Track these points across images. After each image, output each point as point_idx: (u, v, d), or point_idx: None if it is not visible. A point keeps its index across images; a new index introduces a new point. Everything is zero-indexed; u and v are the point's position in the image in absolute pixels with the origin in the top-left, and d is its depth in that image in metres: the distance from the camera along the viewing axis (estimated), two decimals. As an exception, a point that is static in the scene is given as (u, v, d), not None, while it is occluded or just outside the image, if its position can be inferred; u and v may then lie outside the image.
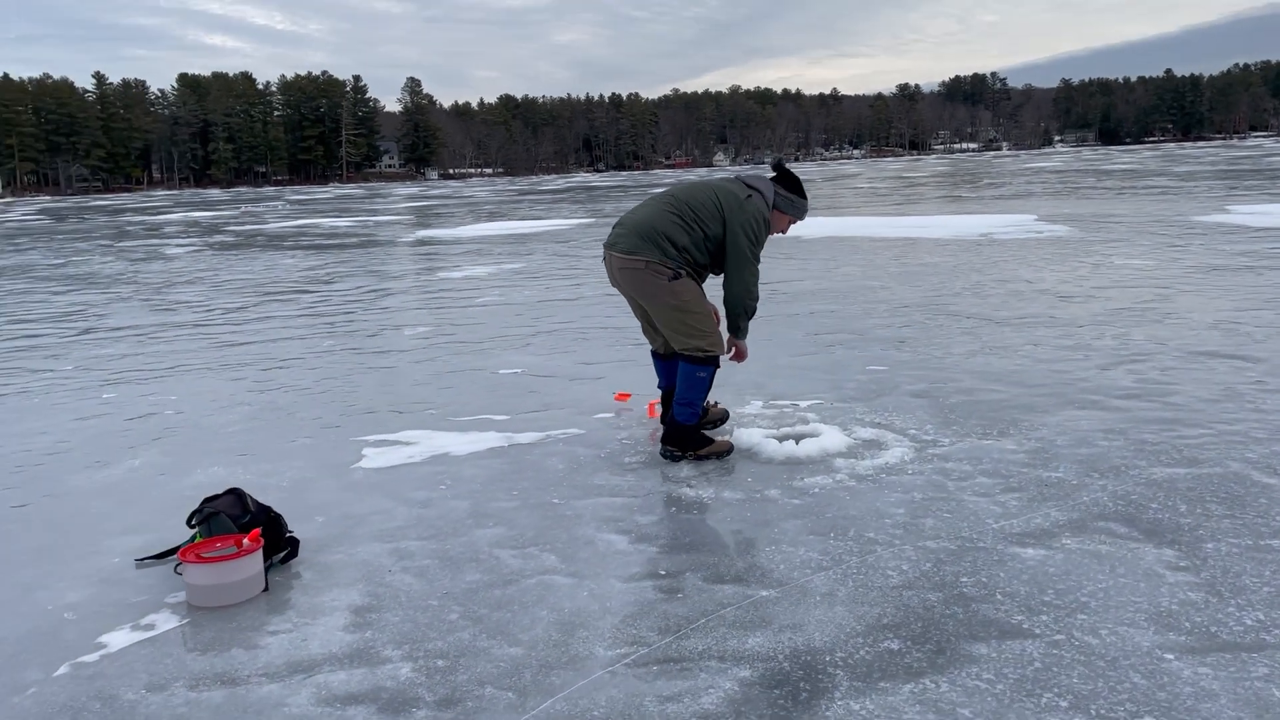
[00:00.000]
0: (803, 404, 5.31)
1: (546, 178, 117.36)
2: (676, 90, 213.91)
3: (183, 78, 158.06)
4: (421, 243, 19.10)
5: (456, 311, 9.40)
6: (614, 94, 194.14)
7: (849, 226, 17.40)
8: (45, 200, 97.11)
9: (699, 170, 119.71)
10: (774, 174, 4.46)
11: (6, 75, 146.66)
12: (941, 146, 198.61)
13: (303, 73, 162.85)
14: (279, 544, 3.34)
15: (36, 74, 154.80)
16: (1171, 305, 7.91)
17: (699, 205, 4.22)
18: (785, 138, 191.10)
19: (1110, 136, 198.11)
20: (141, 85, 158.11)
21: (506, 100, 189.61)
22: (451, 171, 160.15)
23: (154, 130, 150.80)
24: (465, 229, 22.76)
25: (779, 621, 2.84)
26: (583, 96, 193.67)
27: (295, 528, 3.67)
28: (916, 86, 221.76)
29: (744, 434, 4.64)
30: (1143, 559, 3.19)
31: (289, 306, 10.27)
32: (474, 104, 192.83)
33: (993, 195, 27.43)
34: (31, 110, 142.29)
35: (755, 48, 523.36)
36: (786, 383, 5.82)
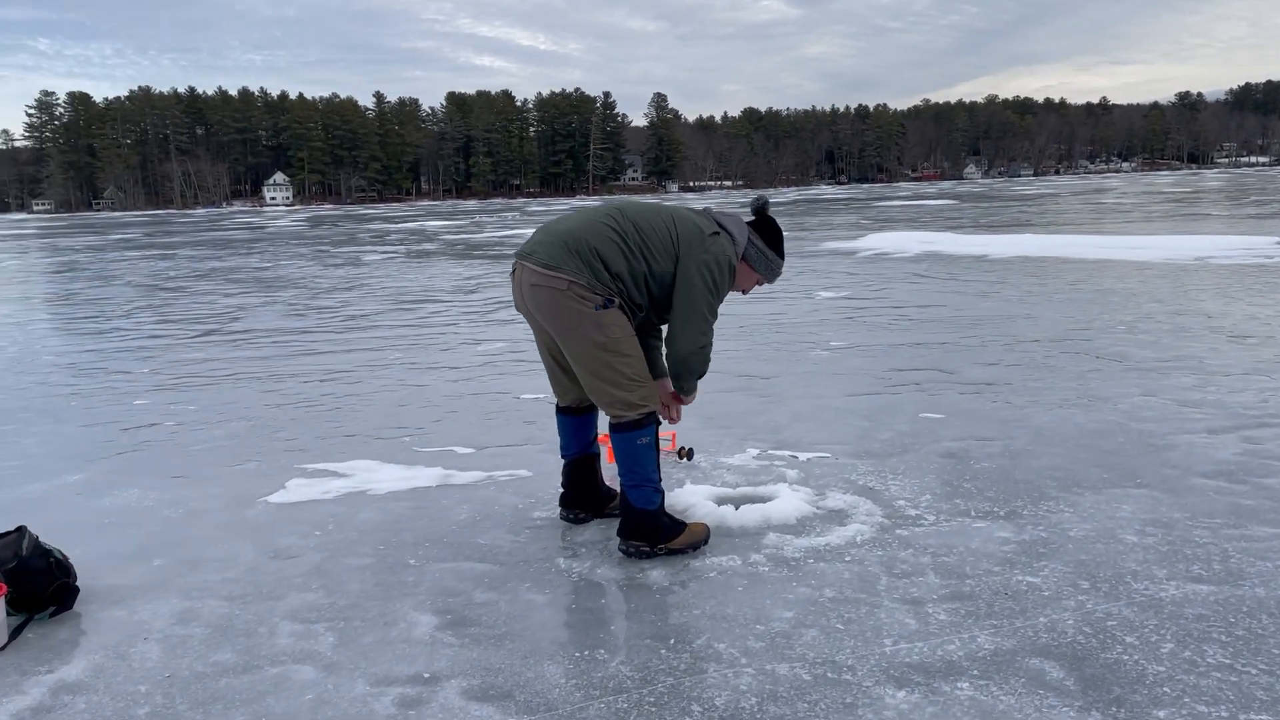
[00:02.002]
0: (803, 456, 4.48)
1: (784, 190, 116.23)
2: (927, 100, 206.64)
3: (450, 96, 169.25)
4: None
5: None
6: (860, 105, 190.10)
7: (1049, 245, 15.66)
8: (325, 208, 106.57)
9: (943, 184, 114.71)
10: (753, 218, 3.56)
11: (301, 95, 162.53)
12: (1226, 160, 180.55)
13: (559, 90, 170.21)
14: (43, 596, 2.99)
15: (326, 94, 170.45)
16: (1372, 352, 6.31)
17: (648, 230, 3.26)
18: (1045, 149, 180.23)
19: None
20: (414, 104, 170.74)
21: (749, 113, 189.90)
22: (691, 184, 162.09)
23: (423, 145, 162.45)
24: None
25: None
26: (827, 108, 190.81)
27: (133, 569, 3.36)
28: (1199, 95, 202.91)
29: (685, 493, 3.91)
30: (1044, 729, 2.26)
31: (404, 316, 10.25)
32: (717, 117, 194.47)
33: (1248, 214, 24.18)
34: (320, 127, 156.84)
35: (1016, 55, 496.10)
36: (808, 429, 4.98)
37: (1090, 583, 3.02)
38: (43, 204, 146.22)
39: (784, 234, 3.57)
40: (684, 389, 3.51)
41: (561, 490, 3.77)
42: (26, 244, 34.94)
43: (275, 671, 2.63)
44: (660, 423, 3.40)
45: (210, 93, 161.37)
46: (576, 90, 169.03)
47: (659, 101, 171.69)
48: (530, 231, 25.92)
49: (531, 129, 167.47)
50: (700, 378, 3.49)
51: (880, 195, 66.59)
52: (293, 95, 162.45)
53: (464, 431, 5.15)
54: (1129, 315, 8.27)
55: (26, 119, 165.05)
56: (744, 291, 3.62)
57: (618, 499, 3.77)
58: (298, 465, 4.61)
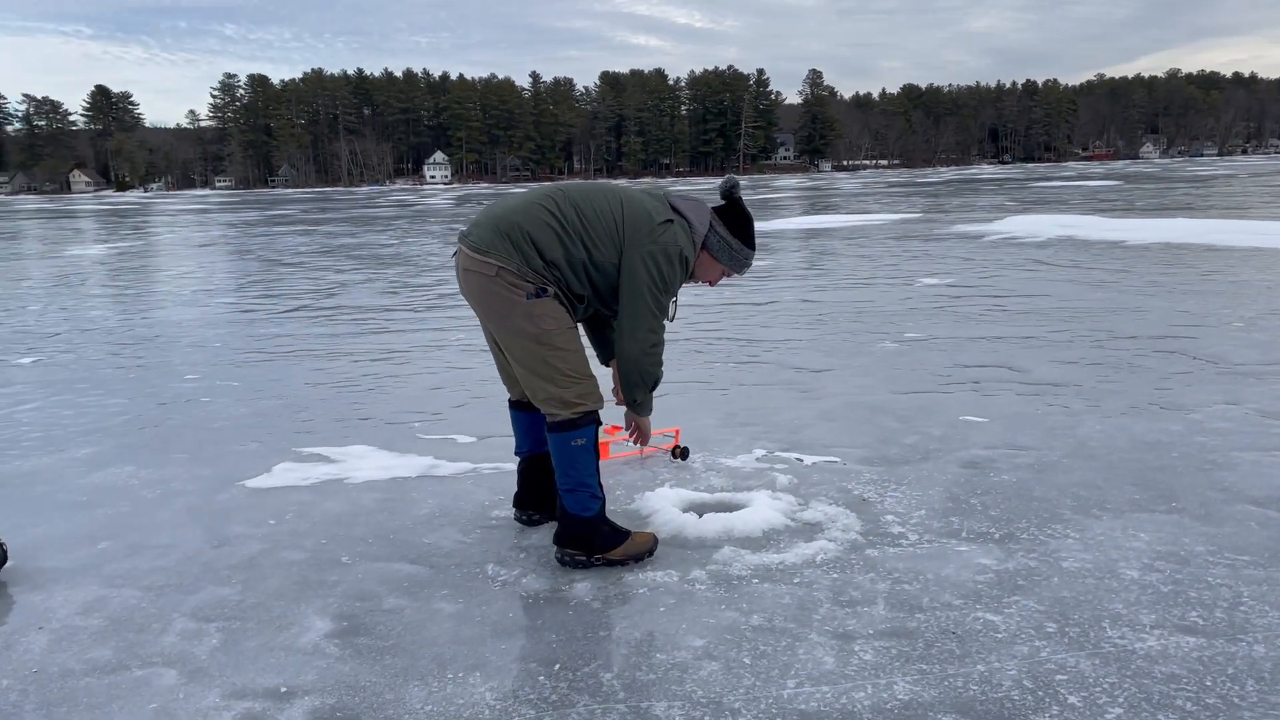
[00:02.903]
0: (809, 460, 4.13)
1: (942, 170, 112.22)
2: (1101, 76, 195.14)
3: (604, 75, 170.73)
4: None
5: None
6: (1028, 80, 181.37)
7: (1198, 231, 14.37)
8: (479, 186, 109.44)
9: (1114, 164, 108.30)
10: (721, 204, 3.23)
11: (461, 76, 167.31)
12: None
13: (711, 68, 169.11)
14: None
15: (485, 74, 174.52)
16: None
17: (590, 214, 2.98)
18: (1232, 127, 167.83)
19: None
20: (569, 83, 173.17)
21: (909, 90, 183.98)
22: (845, 163, 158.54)
23: (576, 125, 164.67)
24: (791, 220, 21.91)
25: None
26: (992, 84, 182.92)
27: (78, 551, 3.35)
28: None
29: (652, 498, 3.64)
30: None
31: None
32: (875, 94, 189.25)
33: None
34: (479, 107, 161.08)
35: (1202, 26, 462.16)
36: (831, 429, 4.61)
37: (1058, 625, 2.61)
38: (224, 180, 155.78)
39: (753, 219, 3.24)
40: (635, 402, 3.24)
41: (516, 489, 3.56)
42: (195, 219, 37.09)
43: (140, 674, 2.53)
44: (600, 424, 3.14)
45: (377, 74, 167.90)
46: (730, 68, 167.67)
47: (814, 78, 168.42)
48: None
49: (683, 108, 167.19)
50: (653, 387, 3.20)
51: (1042, 175, 63.37)
52: (453, 76, 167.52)
53: (476, 420, 5.00)
54: (1251, 311, 7.43)
55: (211, 100, 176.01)
56: (711, 283, 3.32)
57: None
58: (296, 448, 4.56)
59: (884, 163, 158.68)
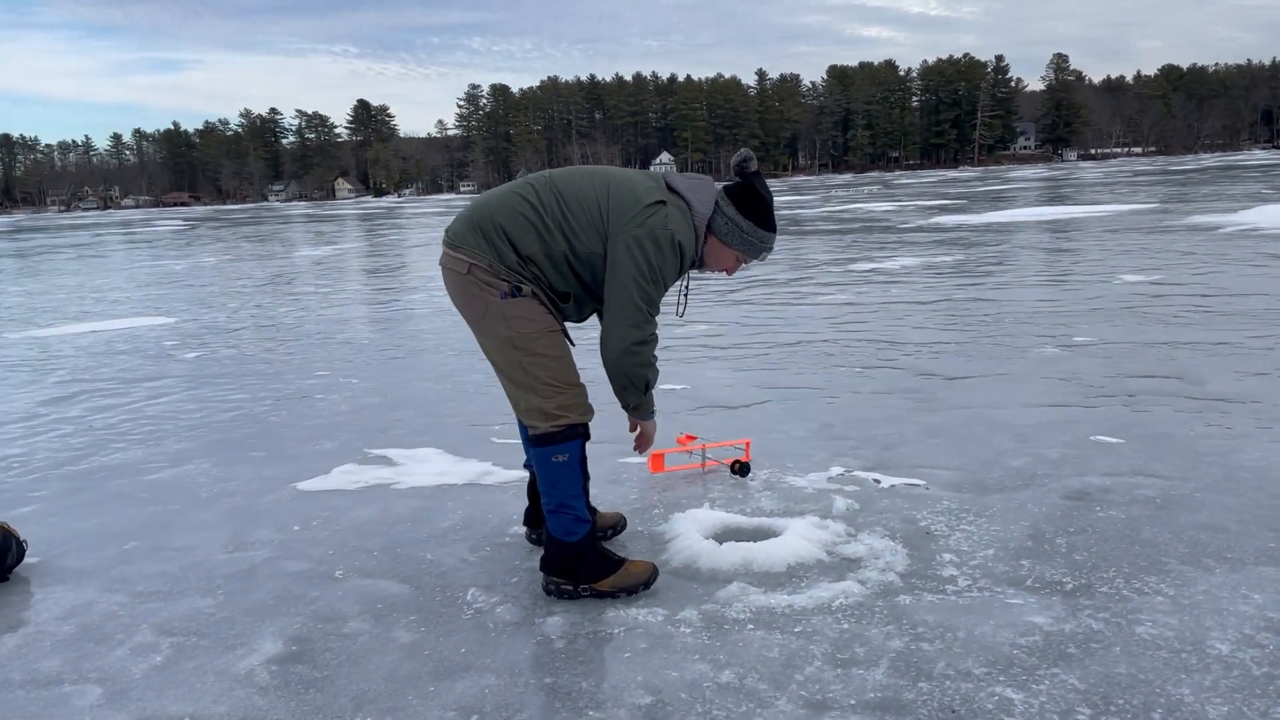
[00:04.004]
0: (888, 482, 3.63)
1: (1203, 156, 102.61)
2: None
3: (832, 69, 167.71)
4: (886, 229, 17.59)
5: (779, 311, 8.33)
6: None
7: None
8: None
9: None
10: (734, 182, 2.82)
11: (688, 77, 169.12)
12: None
13: (945, 57, 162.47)
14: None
15: (711, 74, 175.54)
16: None
17: (573, 202, 2.66)
18: None
19: None
20: (795, 79, 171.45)
21: (1168, 71, 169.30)
22: (1093, 151, 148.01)
23: (801, 120, 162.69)
24: (1005, 213, 20.46)
25: None
26: (1267, 61, 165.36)
27: (105, 549, 3.38)
28: None
29: (679, 520, 3.26)
30: None
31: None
32: (1128, 77, 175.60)
33: None
34: (705, 106, 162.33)
35: None
36: (932, 446, 4.06)
37: (1093, 713, 2.06)
38: (468, 185, 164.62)
39: (771, 198, 2.81)
40: (628, 406, 2.88)
41: (528, 505, 3.29)
42: (433, 220, 39.20)
43: (67, 691, 2.44)
44: (588, 438, 2.81)
45: (608, 79, 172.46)
46: (965, 56, 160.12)
47: (1058, 62, 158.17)
48: (884, 205, 24.72)
49: (914, 99, 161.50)
50: (647, 389, 2.84)
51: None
52: (681, 78, 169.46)
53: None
54: None
55: (457, 110, 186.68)
56: (728, 271, 2.92)
57: (594, 518, 3.23)
58: (367, 449, 4.49)
59: (1137, 150, 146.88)
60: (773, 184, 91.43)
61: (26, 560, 3.27)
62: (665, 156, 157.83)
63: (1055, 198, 27.30)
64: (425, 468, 4.17)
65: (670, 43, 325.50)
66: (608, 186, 2.72)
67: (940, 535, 3.10)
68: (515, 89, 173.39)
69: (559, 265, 2.70)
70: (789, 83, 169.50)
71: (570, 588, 2.80)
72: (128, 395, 6.03)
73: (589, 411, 2.80)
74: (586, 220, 2.67)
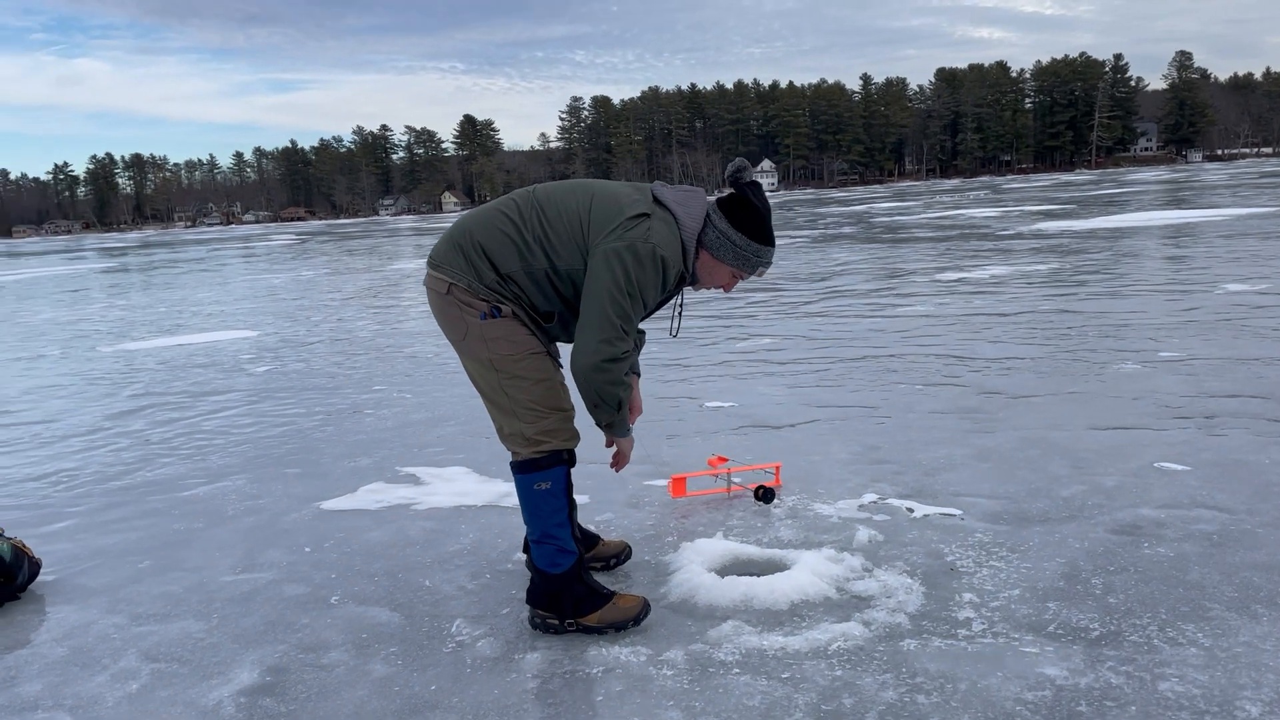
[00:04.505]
0: (921, 511, 3.40)
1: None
2: None
3: (939, 72, 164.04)
4: (983, 236, 16.93)
5: (851, 323, 8.06)
6: None
7: None
8: (804, 192, 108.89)
9: None
10: (727, 194, 2.66)
11: (790, 83, 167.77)
12: None
13: (1060, 57, 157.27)
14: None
15: (814, 80, 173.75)
16: None
17: (554, 216, 2.55)
18: None
19: None
20: (901, 83, 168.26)
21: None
22: (1220, 152, 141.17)
23: (908, 124, 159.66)
24: (1114, 219, 19.58)
25: None
26: None
27: (122, 567, 3.40)
28: None
29: (693, 548, 3.10)
30: None
31: (719, 305, 9.84)
32: (1257, 74, 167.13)
33: None
34: (807, 113, 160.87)
35: None
36: (977, 473, 3.81)
37: (1089, 794, 1.83)
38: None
39: (768, 209, 2.63)
40: (600, 423, 2.72)
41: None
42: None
43: (37, 718, 2.42)
44: (573, 464, 2.68)
45: (709, 88, 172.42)
46: (1081, 55, 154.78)
47: (1181, 60, 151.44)
48: (987, 211, 23.90)
49: (1027, 100, 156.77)
50: (620, 407, 2.65)
51: None
52: (783, 84, 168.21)
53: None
54: None
55: (559, 123, 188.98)
56: (724, 288, 2.75)
57: (597, 546, 3.11)
58: (398, 467, 4.45)
59: (1267, 150, 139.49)
60: (875, 190, 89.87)
61: (44, 578, 3.32)
62: (766, 163, 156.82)
63: (1172, 201, 26.02)
64: (449, 487, 4.10)
65: (772, 49, 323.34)
66: (590, 199, 2.59)
67: (965, 572, 2.87)
68: (616, 100, 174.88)
69: (540, 283, 2.58)
70: (895, 86, 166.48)
71: (556, 622, 2.67)
72: (191, 409, 6.16)
73: (574, 437, 2.67)
74: (566, 235, 2.55)
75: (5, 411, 6.50)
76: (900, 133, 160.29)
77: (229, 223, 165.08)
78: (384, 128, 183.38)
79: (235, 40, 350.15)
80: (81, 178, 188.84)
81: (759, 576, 2.85)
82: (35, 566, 3.25)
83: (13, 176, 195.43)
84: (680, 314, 2.87)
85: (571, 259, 2.54)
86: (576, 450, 2.70)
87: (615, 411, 2.64)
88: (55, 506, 4.19)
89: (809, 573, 2.84)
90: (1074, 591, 2.70)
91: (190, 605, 3.05)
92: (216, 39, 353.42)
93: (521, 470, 2.64)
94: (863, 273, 12.13)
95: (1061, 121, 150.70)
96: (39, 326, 12.49)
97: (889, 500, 3.55)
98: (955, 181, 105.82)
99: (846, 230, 22.99)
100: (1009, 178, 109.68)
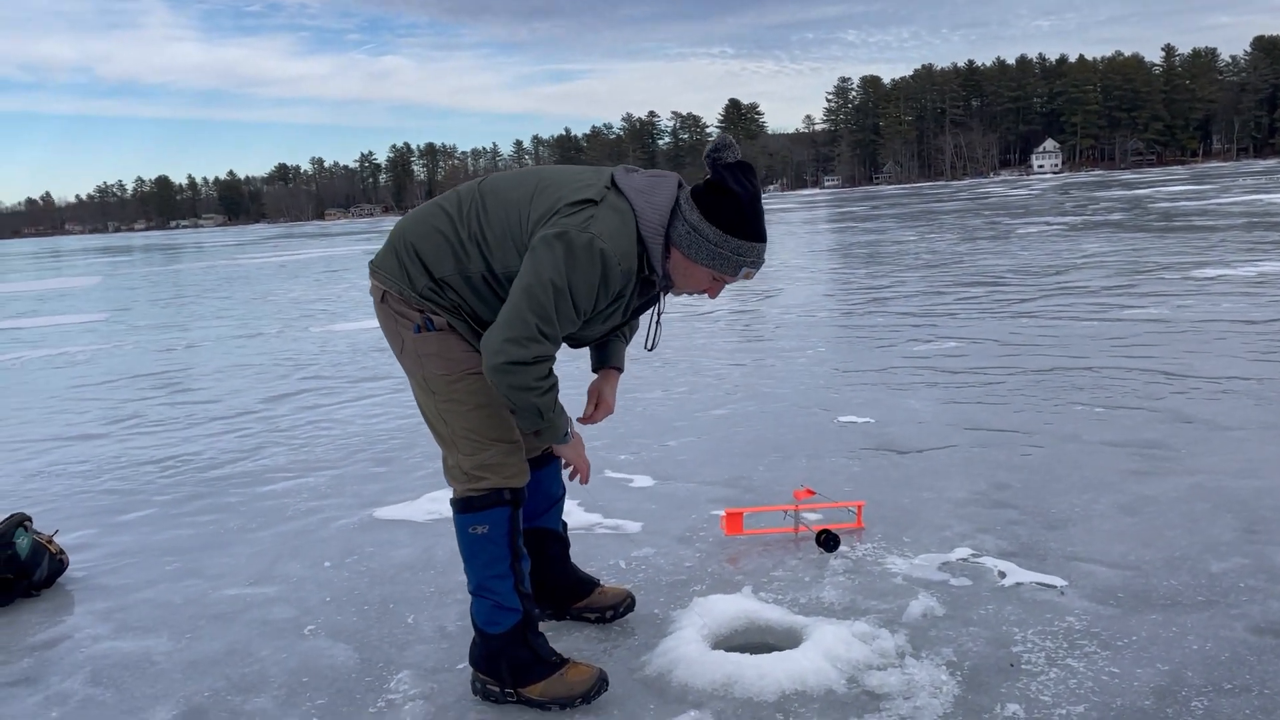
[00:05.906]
0: (1015, 579, 2.73)
1: None
2: None
3: (1257, 40, 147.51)
4: (1272, 225, 14.53)
5: (1062, 326, 7.04)
6: None
7: None
8: (1092, 174, 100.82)
9: None
10: (703, 180, 2.13)
11: (1080, 57, 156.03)
12: None
13: None
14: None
15: (1108, 53, 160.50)
16: None
17: (494, 210, 2.15)
18: None
19: None
20: (1210, 53, 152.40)
21: None
22: None
23: (1217, 100, 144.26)
24: None
25: None
26: None
27: (147, 568, 3.34)
28: None
29: (704, 605, 2.60)
30: None
31: (928, 302, 8.96)
32: None
33: None
34: (1098, 88, 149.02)
35: None
36: (1116, 529, 3.04)
37: None
38: (832, 179, 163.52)
39: (753, 195, 2.09)
40: (526, 430, 2.26)
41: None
42: (781, 216, 39.10)
43: (-48, 733, 2.32)
44: (517, 505, 2.25)
45: (987, 64, 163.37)
46: None
47: None
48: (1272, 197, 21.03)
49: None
50: (541, 415, 2.15)
51: None
52: (1072, 58, 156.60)
53: (695, 459, 4.19)
54: None
55: (825, 104, 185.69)
56: (710, 294, 2.23)
57: (591, 595, 2.67)
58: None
59: None
60: (1174, 171, 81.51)
61: (74, 573, 3.30)
62: (1050, 144, 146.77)
63: None
64: (512, 502, 3.78)
65: (1063, 21, 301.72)
66: (534, 187, 2.15)
67: (1028, 671, 2.21)
68: (886, 80, 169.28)
69: (478, 289, 2.17)
70: (1203, 58, 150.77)
71: (496, 689, 2.27)
72: (339, 395, 6.22)
73: (519, 474, 2.25)
74: (501, 231, 2.13)
75: (185, 389, 6.86)
76: (1208, 109, 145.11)
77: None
78: (651, 114, 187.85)
79: (520, 34, 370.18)
80: (382, 165, 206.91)
81: (754, 655, 2.31)
82: (59, 564, 3.23)
83: (326, 165, 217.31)
84: (659, 325, 2.37)
85: (508, 259, 2.12)
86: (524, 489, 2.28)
87: (540, 418, 2.16)
88: (146, 494, 4.25)
89: (819, 654, 2.28)
90: (1160, 715, 1.98)
91: (175, 621, 2.89)
92: (504, 33, 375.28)
93: (458, 509, 2.26)
94: (1106, 267, 10.74)
95: None
96: (280, 304, 13.44)
97: (982, 558, 2.88)
98: (1270, 162, 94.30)
99: (1114, 217, 20.78)
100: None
